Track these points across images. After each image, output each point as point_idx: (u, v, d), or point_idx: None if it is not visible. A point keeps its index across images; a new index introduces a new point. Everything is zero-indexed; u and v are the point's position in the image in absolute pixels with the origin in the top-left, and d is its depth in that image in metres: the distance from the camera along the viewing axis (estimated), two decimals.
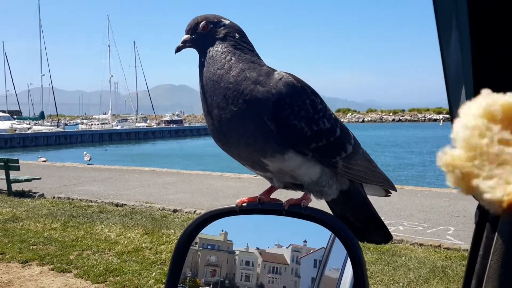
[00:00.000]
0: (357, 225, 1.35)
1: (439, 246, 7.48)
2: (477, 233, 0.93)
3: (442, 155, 0.41)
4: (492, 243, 0.87)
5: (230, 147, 1.18)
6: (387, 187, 1.37)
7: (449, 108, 0.93)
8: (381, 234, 1.39)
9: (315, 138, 1.15)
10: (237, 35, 1.23)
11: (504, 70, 0.77)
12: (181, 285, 1.22)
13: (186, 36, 1.24)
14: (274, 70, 1.18)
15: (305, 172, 1.19)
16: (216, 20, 1.24)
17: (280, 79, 1.15)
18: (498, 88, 0.77)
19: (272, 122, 1.11)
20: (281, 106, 1.12)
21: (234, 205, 1.20)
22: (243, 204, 1.20)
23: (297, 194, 1.24)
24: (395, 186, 1.38)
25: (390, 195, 1.42)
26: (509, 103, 0.39)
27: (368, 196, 1.36)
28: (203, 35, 1.22)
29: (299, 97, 1.15)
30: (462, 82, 0.82)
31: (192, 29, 1.24)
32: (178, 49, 1.26)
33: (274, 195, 1.26)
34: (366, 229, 1.37)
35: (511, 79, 0.76)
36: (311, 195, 1.23)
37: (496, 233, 0.87)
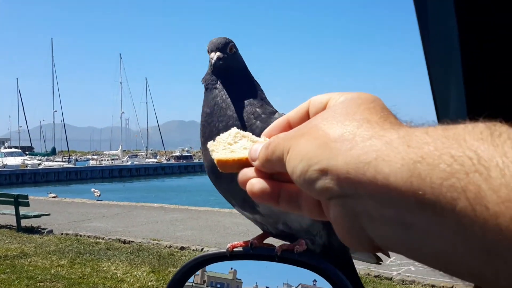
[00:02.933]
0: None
1: (452, 287, 7.31)
2: None
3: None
4: None
5: (222, 182, 1.17)
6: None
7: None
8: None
9: None
10: (248, 69, 1.24)
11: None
12: None
13: (219, 54, 1.19)
14: (276, 111, 1.20)
15: (295, 218, 1.17)
16: (236, 45, 1.24)
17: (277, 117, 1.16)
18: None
19: None
20: None
21: (225, 250, 1.18)
22: (234, 249, 1.18)
23: None
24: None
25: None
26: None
27: None
28: (231, 56, 1.21)
29: None
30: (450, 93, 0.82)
31: (223, 48, 1.20)
32: (220, 65, 1.18)
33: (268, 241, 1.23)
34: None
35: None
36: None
37: None
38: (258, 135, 1.14)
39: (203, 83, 1.22)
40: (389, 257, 1.36)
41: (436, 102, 0.90)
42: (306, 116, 0.57)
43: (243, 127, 1.12)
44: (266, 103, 1.21)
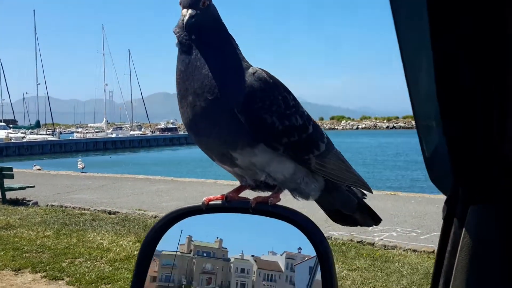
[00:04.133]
0: (347, 214, 1.40)
1: (433, 252, 7.47)
2: (445, 229, 0.92)
3: None
4: (460, 239, 0.86)
5: (201, 138, 1.17)
6: (361, 188, 1.38)
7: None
8: (371, 219, 1.43)
9: (286, 133, 1.16)
10: (222, 21, 1.22)
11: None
12: None
13: (191, 11, 1.15)
14: (251, 66, 1.19)
15: (277, 168, 1.19)
16: None
17: (253, 73, 1.16)
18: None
19: (242, 114, 1.11)
20: (251, 99, 1.13)
21: (200, 204, 1.19)
22: (210, 203, 1.20)
23: None
24: (371, 188, 1.39)
25: (365, 198, 1.42)
26: None
27: None
28: (204, 11, 1.17)
29: (271, 92, 1.16)
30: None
31: (195, 2, 1.16)
32: (193, 23, 1.15)
33: (244, 195, 1.25)
34: (356, 217, 1.41)
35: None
36: (289, 194, 1.24)
37: (464, 229, 0.86)
38: (233, 91, 1.15)
39: (175, 35, 1.19)
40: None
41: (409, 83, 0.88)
42: None
43: (218, 84, 1.12)
44: (241, 59, 1.20)
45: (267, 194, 1.23)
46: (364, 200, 1.42)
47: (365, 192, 1.41)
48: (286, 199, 1.25)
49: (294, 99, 1.22)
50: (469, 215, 0.85)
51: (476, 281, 0.84)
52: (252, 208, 1.15)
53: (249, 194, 1.24)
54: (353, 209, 1.39)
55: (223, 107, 1.12)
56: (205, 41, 1.16)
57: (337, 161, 1.31)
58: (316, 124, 1.28)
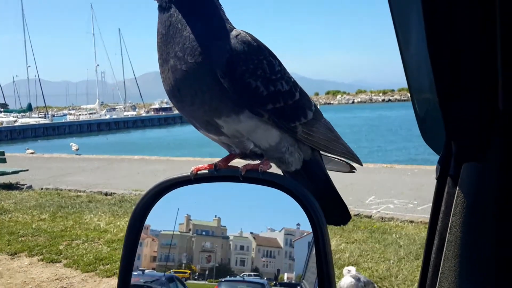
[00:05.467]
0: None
1: None
2: (438, 189, 0.90)
3: None
4: (453, 199, 0.85)
5: (184, 105, 1.12)
6: (351, 159, 1.34)
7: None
8: (340, 214, 1.36)
9: (271, 99, 1.11)
10: None
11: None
12: (171, 271, 1.20)
13: None
14: (234, 28, 1.13)
15: (262, 136, 1.15)
16: None
17: (237, 36, 1.10)
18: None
19: (225, 79, 1.06)
20: (235, 62, 1.07)
21: (189, 173, 1.16)
22: (199, 172, 1.16)
23: None
24: (361, 160, 1.34)
25: (354, 171, 1.38)
26: None
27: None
28: None
29: (255, 56, 1.11)
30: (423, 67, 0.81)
31: None
32: None
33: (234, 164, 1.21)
34: (326, 208, 1.23)
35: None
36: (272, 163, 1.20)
37: (457, 188, 0.84)
38: (216, 54, 1.08)
39: None
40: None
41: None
42: None
43: (200, 47, 1.06)
44: (225, 20, 1.14)
45: (256, 162, 1.19)
46: (354, 172, 1.37)
47: (354, 166, 1.36)
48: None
49: (280, 64, 1.17)
50: (462, 173, 0.84)
51: (471, 240, 0.83)
52: (242, 175, 1.11)
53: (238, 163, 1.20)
54: (324, 195, 1.29)
55: (205, 71, 1.06)
56: (187, 2, 1.10)
57: (325, 130, 1.26)
58: (303, 91, 1.23)
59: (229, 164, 1.19)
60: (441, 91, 0.79)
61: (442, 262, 0.87)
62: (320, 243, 1.04)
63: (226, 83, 1.06)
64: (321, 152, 1.28)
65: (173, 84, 1.09)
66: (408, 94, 0.93)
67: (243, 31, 1.13)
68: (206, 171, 1.16)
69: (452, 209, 0.85)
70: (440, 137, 0.90)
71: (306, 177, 1.27)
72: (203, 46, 1.06)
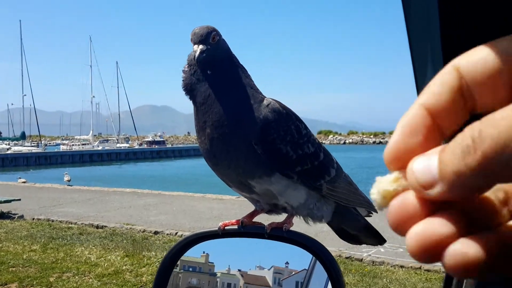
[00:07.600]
0: (353, 234, 1.49)
1: (420, 268, 7.54)
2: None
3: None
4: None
5: (219, 168, 1.22)
6: (368, 208, 1.44)
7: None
8: (375, 238, 1.50)
9: (300, 161, 1.21)
10: (233, 53, 1.26)
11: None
12: None
13: (202, 46, 1.18)
14: (264, 98, 1.24)
15: (291, 194, 1.24)
16: (219, 33, 1.24)
17: (268, 105, 1.21)
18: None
19: (258, 146, 1.17)
20: (267, 131, 1.18)
21: (217, 228, 1.23)
22: (226, 227, 1.24)
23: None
24: (376, 209, 1.46)
25: (371, 216, 1.49)
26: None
27: None
28: (214, 46, 1.20)
29: (285, 123, 1.22)
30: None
31: (205, 39, 1.19)
32: (204, 58, 1.18)
33: (257, 220, 1.30)
34: (362, 236, 1.49)
35: None
36: (300, 218, 1.30)
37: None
38: (250, 124, 1.19)
39: (184, 70, 1.22)
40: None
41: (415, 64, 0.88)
42: (459, 96, 0.35)
43: (235, 117, 1.17)
44: (255, 90, 1.24)
45: (280, 218, 1.28)
46: (370, 216, 1.49)
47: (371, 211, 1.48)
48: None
49: (306, 127, 1.28)
50: None
51: None
52: (267, 233, 1.20)
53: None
54: (359, 229, 1.46)
55: (241, 139, 1.17)
56: (217, 75, 1.20)
57: (346, 185, 1.37)
58: (326, 150, 1.33)
59: (253, 220, 1.28)
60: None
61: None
62: None
63: (259, 149, 1.17)
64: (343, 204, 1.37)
65: (210, 150, 1.19)
66: None
67: (272, 99, 1.24)
68: (233, 227, 1.23)
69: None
70: None
71: (338, 220, 1.40)
72: (238, 117, 1.18)
